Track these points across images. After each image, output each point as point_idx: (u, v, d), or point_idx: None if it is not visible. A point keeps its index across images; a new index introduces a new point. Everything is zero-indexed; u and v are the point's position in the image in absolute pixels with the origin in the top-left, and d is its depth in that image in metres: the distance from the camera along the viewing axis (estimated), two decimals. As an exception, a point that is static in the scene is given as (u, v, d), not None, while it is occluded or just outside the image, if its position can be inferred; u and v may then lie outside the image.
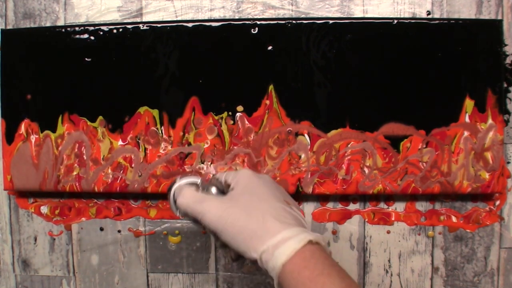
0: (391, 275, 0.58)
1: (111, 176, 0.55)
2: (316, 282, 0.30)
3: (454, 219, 0.57)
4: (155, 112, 0.54)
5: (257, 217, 0.33)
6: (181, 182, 0.41)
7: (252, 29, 0.53)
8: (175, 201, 0.40)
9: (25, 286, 0.61)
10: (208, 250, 0.59)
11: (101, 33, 0.54)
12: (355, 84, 0.53)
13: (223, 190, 0.39)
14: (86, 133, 0.55)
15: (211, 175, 0.40)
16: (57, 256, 0.60)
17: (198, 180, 0.41)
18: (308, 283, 0.30)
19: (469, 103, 0.53)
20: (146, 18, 0.57)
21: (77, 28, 0.54)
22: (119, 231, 0.59)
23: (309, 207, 0.57)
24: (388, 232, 0.57)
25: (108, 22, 0.56)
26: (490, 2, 0.55)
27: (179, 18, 0.57)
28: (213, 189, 0.39)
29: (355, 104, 0.53)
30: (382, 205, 0.57)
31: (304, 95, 0.53)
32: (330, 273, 0.31)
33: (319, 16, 0.56)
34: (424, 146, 0.53)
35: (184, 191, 0.38)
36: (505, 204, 0.56)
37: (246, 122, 0.54)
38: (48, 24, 0.58)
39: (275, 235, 0.32)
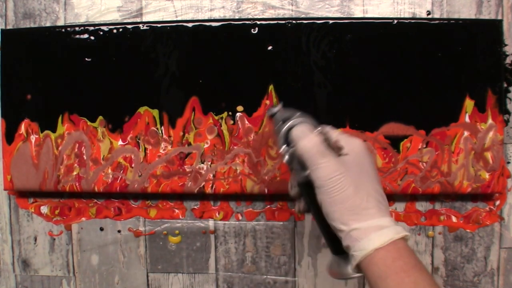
0: (391, 275, 0.58)
1: (111, 176, 0.55)
2: (410, 274, 0.31)
3: (454, 219, 0.57)
4: (155, 112, 0.54)
5: (362, 194, 0.34)
6: (300, 120, 0.38)
7: (252, 29, 0.53)
8: (285, 135, 0.37)
9: (25, 286, 0.61)
10: (208, 250, 0.59)
11: (101, 33, 0.54)
12: (355, 84, 0.53)
13: (329, 145, 0.37)
14: (86, 133, 0.55)
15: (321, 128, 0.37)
16: (57, 256, 0.60)
17: (315, 127, 0.38)
18: (401, 273, 0.31)
19: (469, 103, 0.53)
20: (146, 18, 0.57)
21: (77, 28, 0.54)
22: (119, 231, 0.59)
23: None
24: (388, 232, 0.57)
25: (108, 22, 0.56)
26: (490, 2, 0.55)
27: (179, 18, 0.57)
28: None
29: (355, 104, 0.53)
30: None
31: (304, 95, 0.53)
32: (421, 269, 0.32)
33: (319, 16, 0.56)
34: (424, 146, 0.53)
35: (312, 136, 0.36)
36: (505, 204, 0.56)
37: (246, 122, 0.54)
38: (48, 24, 0.58)
39: (373, 219, 0.33)
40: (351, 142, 0.37)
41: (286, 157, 0.38)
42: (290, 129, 0.38)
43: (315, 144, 0.35)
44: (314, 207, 0.36)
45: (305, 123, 0.38)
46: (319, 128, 0.37)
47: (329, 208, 0.34)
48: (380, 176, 0.53)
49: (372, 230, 0.33)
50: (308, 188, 0.36)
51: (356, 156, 0.36)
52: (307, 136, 0.36)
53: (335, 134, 0.37)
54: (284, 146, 0.38)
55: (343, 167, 0.34)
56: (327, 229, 0.36)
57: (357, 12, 0.56)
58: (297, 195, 0.39)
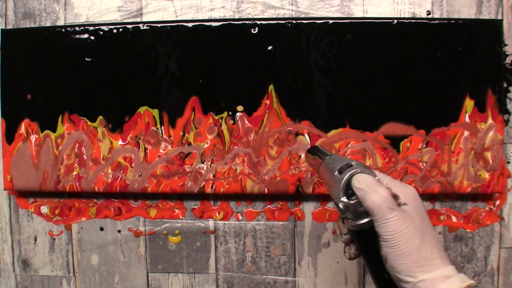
0: (391, 275, 0.58)
1: (111, 176, 0.55)
2: None
3: (454, 219, 0.57)
4: (155, 112, 0.54)
5: (426, 244, 0.34)
6: (363, 169, 0.36)
7: (252, 29, 0.53)
8: (347, 183, 0.36)
9: (25, 286, 0.61)
10: (208, 250, 0.59)
11: (101, 33, 0.54)
12: (355, 84, 0.53)
13: None
14: (86, 133, 0.55)
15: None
16: (57, 256, 0.60)
17: (374, 175, 0.37)
18: None
19: (469, 103, 0.53)
20: (146, 18, 0.57)
21: (77, 28, 0.54)
22: (119, 231, 0.59)
23: (309, 207, 0.57)
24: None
25: (108, 22, 0.56)
26: (490, 2, 0.55)
27: (179, 18, 0.57)
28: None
29: (355, 104, 0.53)
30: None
31: (304, 95, 0.53)
32: None
33: (319, 16, 0.56)
34: (424, 146, 0.53)
35: (382, 190, 0.35)
36: (505, 204, 0.56)
37: (246, 122, 0.54)
38: (48, 24, 0.58)
39: (439, 268, 0.34)
40: (405, 189, 0.37)
41: (343, 205, 0.37)
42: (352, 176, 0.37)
43: (385, 199, 0.35)
44: (370, 255, 0.36)
45: (365, 173, 0.37)
46: (377, 177, 0.37)
47: (395, 261, 0.34)
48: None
49: (439, 281, 0.33)
50: (362, 236, 0.36)
51: (415, 206, 0.36)
52: (377, 189, 0.35)
53: (388, 180, 0.38)
54: (344, 198, 0.36)
55: (409, 219, 0.35)
56: (379, 274, 0.36)
57: (357, 12, 0.56)
58: (348, 241, 0.39)
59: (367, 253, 0.37)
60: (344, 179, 0.36)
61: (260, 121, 0.54)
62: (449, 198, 0.57)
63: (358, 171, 0.36)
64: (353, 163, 0.37)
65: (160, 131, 0.55)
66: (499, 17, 0.55)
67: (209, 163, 0.54)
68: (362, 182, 0.36)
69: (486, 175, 0.53)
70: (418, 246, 0.34)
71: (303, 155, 0.54)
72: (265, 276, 0.59)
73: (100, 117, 0.55)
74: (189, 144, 0.54)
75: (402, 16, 0.55)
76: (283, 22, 0.53)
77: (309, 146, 0.38)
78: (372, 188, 0.35)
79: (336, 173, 0.37)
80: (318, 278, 0.58)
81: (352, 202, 0.36)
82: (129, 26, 0.54)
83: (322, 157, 0.40)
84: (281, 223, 0.58)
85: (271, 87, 0.53)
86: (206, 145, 0.54)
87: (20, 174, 0.56)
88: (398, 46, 0.53)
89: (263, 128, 0.54)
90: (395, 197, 0.36)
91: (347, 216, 0.37)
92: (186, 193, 0.57)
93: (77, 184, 0.55)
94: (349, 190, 0.36)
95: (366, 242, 0.36)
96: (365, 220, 0.35)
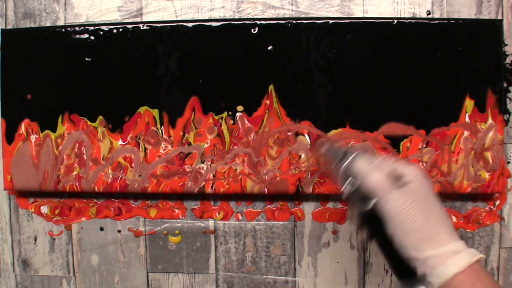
0: (391, 275, 0.58)
1: (111, 176, 0.55)
2: None
3: (454, 219, 0.57)
4: (155, 112, 0.54)
5: (433, 221, 0.35)
6: (359, 155, 0.38)
7: (252, 29, 0.53)
8: (345, 171, 0.38)
9: (25, 286, 0.61)
10: (208, 250, 0.59)
11: (101, 33, 0.54)
12: (355, 84, 0.53)
13: (389, 174, 0.37)
14: (86, 133, 0.55)
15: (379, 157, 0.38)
16: (57, 256, 0.60)
17: (373, 160, 0.39)
18: None
19: (469, 103, 0.53)
20: (146, 18, 0.57)
21: (77, 28, 0.54)
22: (119, 231, 0.59)
23: (309, 207, 0.57)
24: (388, 232, 0.57)
25: (108, 22, 0.56)
26: (490, 2, 0.55)
27: (179, 18, 0.57)
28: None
29: (355, 104, 0.53)
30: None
31: (304, 95, 0.53)
32: None
33: (319, 16, 0.56)
34: (424, 146, 0.53)
35: (376, 174, 0.36)
36: (505, 204, 0.56)
37: (246, 122, 0.54)
38: (48, 24, 0.58)
39: (446, 244, 0.34)
40: (410, 170, 0.37)
41: (346, 192, 0.38)
42: (349, 164, 0.38)
43: (382, 180, 0.36)
44: (380, 237, 0.37)
45: (363, 157, 0.38)
46: (378, 160, 0.38)
47: (402, 239, 0.35)
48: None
49: (448, 256, 0.33)
50: (371, 219, 0.37)
51: (419, 183, 0.36)
52: (371, 173, 0.36)
53: (391, 161, 0.38)
54: (347, 183, 0.38)
55: (410, 197, 0.35)
56: (392, 256, 0.37)
57: (357, 12, 0.56)
58: (359, 226, 0.40)
59: (377, 235, 0.38)
60: (342, 167, 0.38)
61: (260, 121, 0.54)
62: (449, 198, 0.57)
63: (356, 156, 0.38)
64: (349, 151, 0.39)
65: (160, 131, 0.55)
66: (499, 17, 0.55)
67: (209, 163, 0.54)
68: (356, 169, 0.37)
69: (486, 175, 0.53)
70: (422, 222, 0.34)
71: (303, 155, 0.54)
72: (265, 276, 0.59)
73: (100, 117, 0.55)
74: (189, 144, 0.54)
75: (402, 16, 0.55)
76: (283, 22, 0.53)
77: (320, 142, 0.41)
78: (367, 172, 0.36)
79: (334, 165, 0.39)
80: (318, 278, 0.58)
81: (353, 188, 0.37)
82: (129, 26, 0.54)
83: (321, 150, 0.42)
84: (281, 223, 0.58)
85: (271, 87, 0.53)
86: (206, 145, 0.54)
87: (20, 174, 0.56)
88: (398, 46, 0.53)
89: (263, 128, 0.54)
90: (398, 177, 0.37)
91: (353, 202, 0.38)
92: (186, 193, 0.57)
93: (77, 184, 0.55)
94: (348, 177, 0.38)
95: (374, 224, 0.37)
96: (369, 203, 0.36)
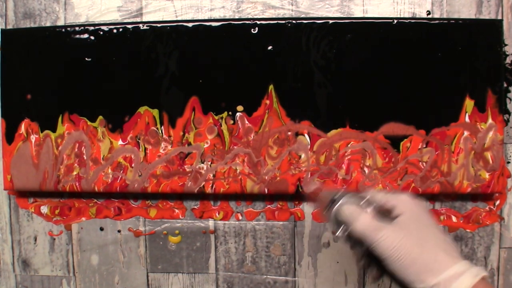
0: (391, 275, 0.58)
1: (111, 176, 0.55)
2: None
3: (454, 219, 0.57)
4: (155, 112, 0.54)
5: (429, 249, 0.34)
6: (346, 200, 0.39)
7: (252, 29, 0.53)
8: (335, 217, 0.39)
9: (25, 286, 0.61)
10: (208, 250, 0.59)
11: (101, 33, 0.54)
12: (355, 84, 0.53)
13: (380, 210, 0.38)
14: (86, 133, 0.55)
15: (366, 195, 0.39)
16: (57, 256, 0.60)
17: (361, 199, 0.39)
18: None
19: (469, 103, 0.53)
20: (146, 18, 0.57)
21: (77, 28, 0.54)
22: (119, 231, 0.59)
23: (309, 207, 0.57)
24: (388, 232, 0.57)
25: (108, 22, 0.56)
26: (490, 2, 0.55)
27: (179, 18, 0.57)
28: (369, 209, 0.38)
29: (355, 104, 0.53)
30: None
31: (304, 95, 0.53)
32: None
33: (319, 16, 0.56)
34: (424, 146, 0.53)
35: (362, 217, 0.36)
36: (505, 204, 0.56)
37: (246, 122, 0.54)
38: (48, 24, 0.58)
39: (447, 269, 0.33)
40: (400, 200, 0.37)
41: (341, 238, 0.38)
42: (337, 211, 0.39)
43: (368, 223, 0.36)
44: (387, 271, 0.37)
45: (350, 202, 0.38)
46: (365, 200, 0.38)
47: (402, 274, 0.35)
48: (380, 176, 0.53)
49: (451, 281, 0.33)
50: (372, 258, 0.37)
51: (410, 213, 0.36)
52: (357, 218, 0.37)
53: (381, 196, 0.38)
54: (340, 230, 0.38)
55: (401, 231, 0.35)
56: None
57: (357, 12, 0.56)
58: (366, 265, 0.40)
59: (384, 270, 0.37)
60: (331, 215, 0.39)
61: (260, 121, 0.54)
62: (449, 198, 0.57)
63: (344, 202, 0.38)
64: (336, 196, 0.39)
65: (160, 131, 0.55)
66: (499, 17, 0.55)
67: (209, 163, 0.54)
68: (344, 215, 0.38)
69: (486, 175, 0.53)
70: (418, 254, 0.34)
71: (303, 155, 0.54)
72: (265, 276, 0.59)
73: (100, 117, 0.55)
74: (189, 144, 0.54)
75: (402, 16, 0.55)
76: (283, 22, 0.53)
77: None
78: (354, 217, 0.37)
79: (325, 212, 0.40)
80: (318, 278, 0.58)
81: (345, 234, 0.38)
82: (129, 26, 0.54)
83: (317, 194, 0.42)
84: (281, 223, 0.58)
85: (271, 87, 0.53)
86: (206, 145, 0.54)
87: (20, 174, 0.56)
88: (398, 46, 0.53)
89: (263, 128, 0.54)
90: (388, 211, 0.37)
91: (352, 247, 0.38)
92: (186, 193, 0.57)
93: (77, 184, 0.55)
94: (340, 224, 0.38)
95: (378, 262, 0.37)
96: (364, 245, 0.37)
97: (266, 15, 0.56)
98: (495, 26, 0.53)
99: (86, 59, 0.55)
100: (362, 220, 0.36)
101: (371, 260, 0.38)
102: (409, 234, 0.35)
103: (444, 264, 0.34)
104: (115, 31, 0.54)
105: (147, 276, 0.60)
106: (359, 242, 0.37)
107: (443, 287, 0.33)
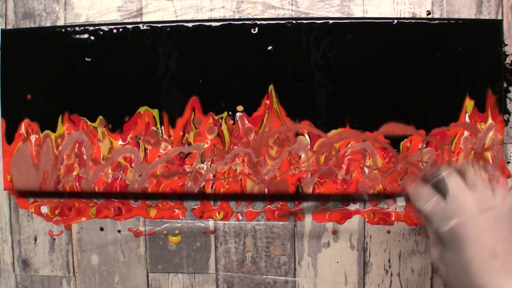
0: (391, 275, 0.58)
1: (111, 176, 0.55)
2: None
3: (454, 219, 0.57)
4: (155, 112, 0.54)
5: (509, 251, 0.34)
6: (456, 174, 0.38)
7: (252, 29, 0.53)
8: (438, 184, 0.38)
9: (25, 286, 0.61)
10: (208, 250, 0.59)
11: (101, 33, 0.54)
12: (355, 84, 0.53)
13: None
14: (86, 133, 0.55)
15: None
16: (57, 256, 0.60)
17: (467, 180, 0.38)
18: None
19: (469, 103, 0.53)
20: (146, 18, 0.57)
21: (77, 28, 0.54)
22: (119, 231, 0.59)
23: (308, 211, 0.57)
24: (388, 232, 0.57)
25: (108, 22, 0.56)
26: (490, 2, 0.55)
27: (179, 18, 0.57)
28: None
29: (355, 104, 0.53)
30: (382, 204, 0.57)
31: (304, 95, 0.53)
32: None
33: (319, 16, 0.56)
34: (424, 146, 0.53)
35: (469, 194, 0.36)
36: (505, 204, 0.56)
37: (246, 122, 0.54)
38: (48, 24, 0.58)
39: None
40: (498, 193, 0.37)
41: (429, 209, 0.37)
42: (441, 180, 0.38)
43: (470, 202, 0.35)
44: (453, 258, 0.36)
45: (457, 176, 0.38)
46: (472, 178, 0.38)
47: (482, 263, 0.34)
48: (380, 176, 0.53)
49: None
50: (446, 239, 0.36)
51: (504, 208, 0.36)
52: (463, 192, 0.36)
53: (482, 182, 0.38)
54: (433, 201, 0.37)
55: (495, 222, 0.35)
56: (462, 279, 0.36)
57: (357, 12, 0.56)
58: (433, 244, 0.39)
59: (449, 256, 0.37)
60: (433, 181, 0.38)
61: (260, 121, 0.54)
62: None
63: (448, 174, 0.38)
64: (443, 169, 0.38)
65: (160, 131, 0.55)
66: (499, 17, 0.55)
67: (209, 163, 0.54)
68: (452, 185, 0.37)
69: (486, 175, 0.53)
70: (505, 250, 0.33)
71: (303, 155, 0.54)
72: (265, 276, 0.59)
73: (100, 117, 0.55)
74: (189, 144, 0.54)
75: (402, 16, 0.55)
76: (283, 22, 0.53)
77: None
78: (460, 191, 0.36)
79: (428, 181, 0.39)
80: (318, 278, 0.58)
81: (438, 206, 0.37)
82: (129, 26, 0.54)
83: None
84: (281, 223, 0.58)
85: (271, 87, 0.53)
86: (206, 145, 0.54)
87: (20, 174, 0.56)
88: (398, 46, 0.53)
89: (263, 128, 0.54)
90: (485, 200, 0.36)
91: (432, 221, 0.37)
92: (186, 193, 0.57)
93: (77, 184, 0.55)
94: (435, 195, 0.37)
95: (448, 245, 0.36)
96: (449, 222, 0.36)
97: (266, 15, 0.56)
98: (495, 26, 0.53)
99: (86, 59, 0.55)
100: (467, 197, 0.35)
101: (439, 241, 0.37)
102: (501, 227, 0.34)
103: None
104: (115, 31, 0.54)
105: (147, 276, 0.60)
106: (444, 218, 0.36)
107: None
